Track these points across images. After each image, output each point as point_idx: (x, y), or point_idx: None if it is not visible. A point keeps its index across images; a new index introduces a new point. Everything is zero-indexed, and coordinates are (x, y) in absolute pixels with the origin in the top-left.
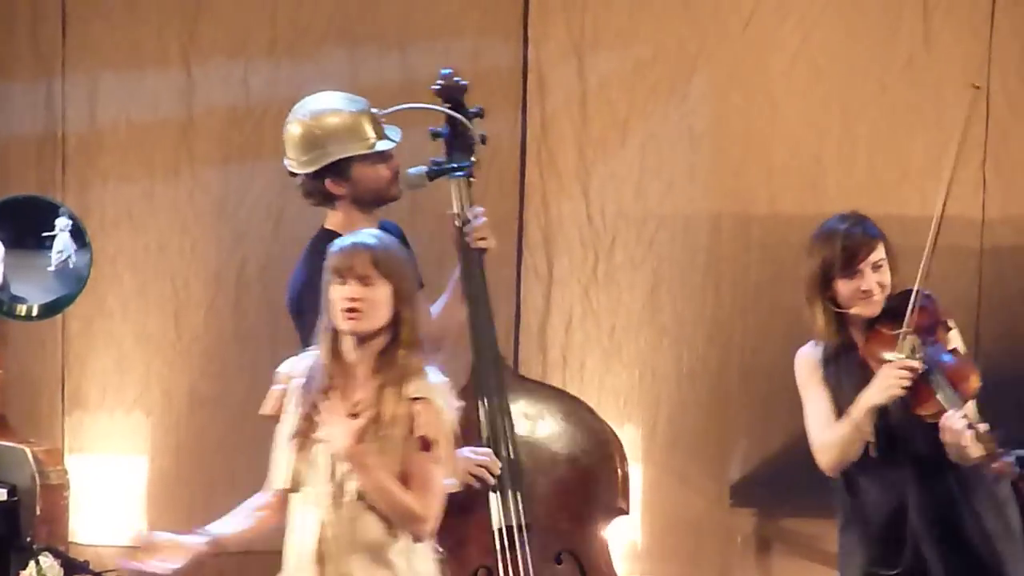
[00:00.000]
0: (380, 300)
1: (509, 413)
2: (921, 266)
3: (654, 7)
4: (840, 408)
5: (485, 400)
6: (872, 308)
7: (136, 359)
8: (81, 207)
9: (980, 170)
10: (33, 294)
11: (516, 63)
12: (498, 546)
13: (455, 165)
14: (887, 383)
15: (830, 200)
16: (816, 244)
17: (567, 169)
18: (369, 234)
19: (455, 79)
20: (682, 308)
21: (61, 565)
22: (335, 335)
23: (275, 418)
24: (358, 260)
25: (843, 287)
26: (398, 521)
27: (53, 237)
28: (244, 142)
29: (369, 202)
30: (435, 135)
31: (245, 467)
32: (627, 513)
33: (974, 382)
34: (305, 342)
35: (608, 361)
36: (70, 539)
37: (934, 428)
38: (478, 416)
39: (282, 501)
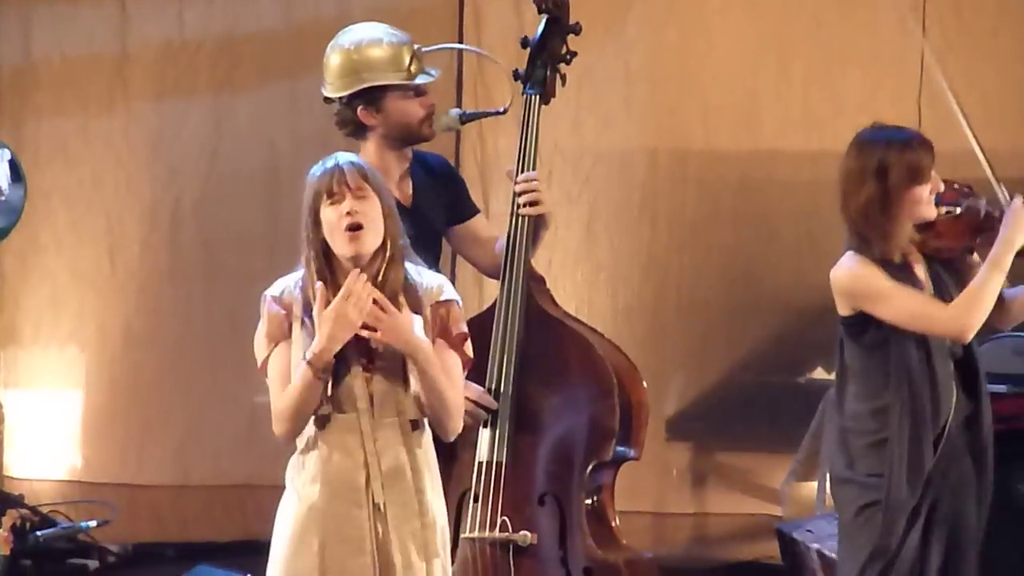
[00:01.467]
0: (376, 214)
1: (516, 353)
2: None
3: None
4: None
5: (498, 337)
6: (932, 211)
7: (70, 294)
8: (15, 142)
9: (916, 104)
10: None
11: None
12: (478, 479)
13: (529, 83)
14: None
15: (766, 136)
16: (899, 148)
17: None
18: (344, 153)
19: None
20: (618, 244)
21: None
22: (327, 262)
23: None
24: (350, 174)
25: (923, 191)
26: (444, 417)
27: None
28: (179, 77)
29: (399, 138)
30: (524, 44)
31: (179, 402)
32: (633, 459)
33: None
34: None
35: None
36: (4, 473)
37: None
38: (488, 352)
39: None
